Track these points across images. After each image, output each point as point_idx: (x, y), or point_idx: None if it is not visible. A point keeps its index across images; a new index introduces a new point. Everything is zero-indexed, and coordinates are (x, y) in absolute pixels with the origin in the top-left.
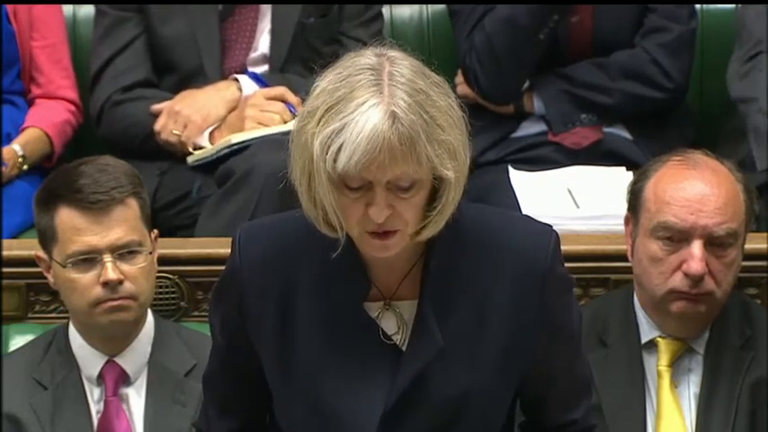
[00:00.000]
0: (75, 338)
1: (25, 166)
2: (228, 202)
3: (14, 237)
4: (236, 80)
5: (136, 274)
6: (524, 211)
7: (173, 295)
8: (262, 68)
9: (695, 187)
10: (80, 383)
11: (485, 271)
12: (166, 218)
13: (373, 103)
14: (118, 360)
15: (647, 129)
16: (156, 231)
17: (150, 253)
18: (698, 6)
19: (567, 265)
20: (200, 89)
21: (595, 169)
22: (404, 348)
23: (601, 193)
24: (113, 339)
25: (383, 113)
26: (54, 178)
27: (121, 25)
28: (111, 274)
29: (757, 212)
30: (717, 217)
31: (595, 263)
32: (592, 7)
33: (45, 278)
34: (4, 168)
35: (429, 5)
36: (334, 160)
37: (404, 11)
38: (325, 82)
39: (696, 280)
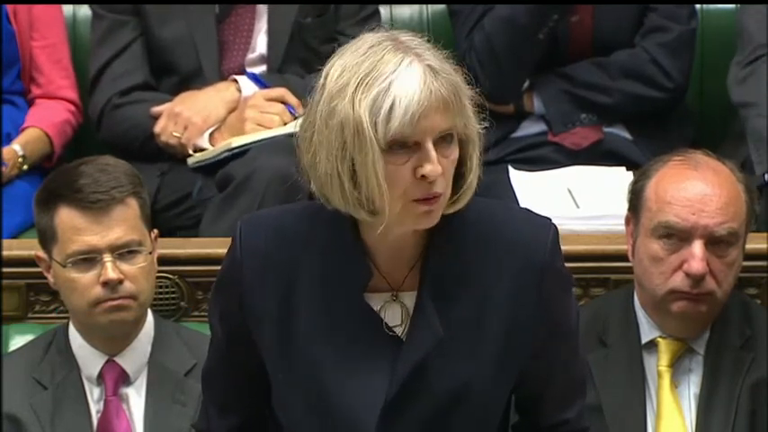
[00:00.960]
0: (75, 338)
1: (25, 166)
2: (231, 207)
3: (14, 237)
4: (236, 81)
5: (136, 273)
6: None
7: (173, 295)
8: (260, 69)
9: (696, 187)
10: (80, 383)
11: (485, 263)
12: (167, 219)
13: (409, 61)
14: (118, 360)
15: (647, 129)
16: (156, 231)
17: (150, 253)
18: (698, 6)
19: (567, 265)
20: (200, 91)
21: (595, 169)
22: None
23: (601, 193)
24: (113, 339)
25: (423, 68)
26: (54, 178)
27: (119, 28)
28: (110, 273)
29: (758, 213)
30: (718, 217)
31: (595, 263)
32: (592, 7)
33: (45, 278)
34: (4, 168)
35: (429, 5)
36: (388, 120)
37: (404, 11)
38: (343, 61)
39: (697, 280)
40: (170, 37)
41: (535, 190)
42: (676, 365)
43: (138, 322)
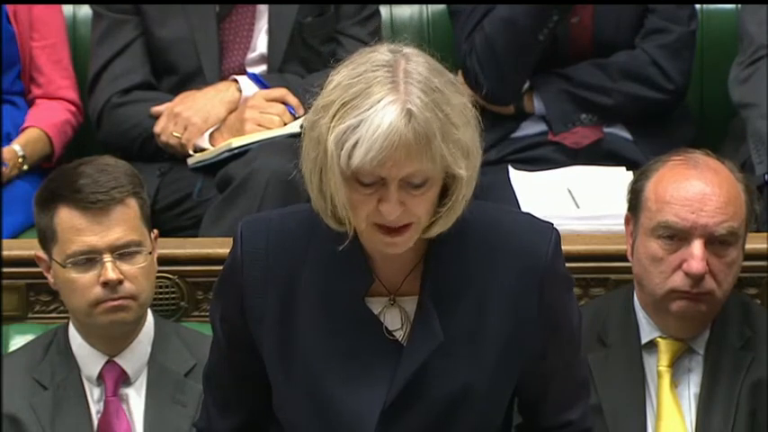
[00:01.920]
0: (75, 338)
1: (25, 167)
2: (231, 208)
3: (14, 237)
4: (236, 81)
5: (136, 273)
6: None
7: (173, 295)
8: (260, 68)
9: (696, 187)
10: (80, 383)
11: (485, 268)
12: (168, 219)
13: (389, 101)
14: (118, 360)
15: (647, 129)
16: (156, 231)
17: (150, 253)
18: (698, 7)
19: (567, 265)
20: (200, 90)
21: (595, 169)
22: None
23: (601, 193)
24: (113, 339)
25: (399, 111)
26: (54, 178)
27: (119, 28)
28: (110, 273)
29: (758, 213)
30: (717, 216)
31: (595, 263)
32: (592, 8)
33: (45, 278)
34: (4, 168)
35: (429, 5)
36: (349, 156)
37: (404, 11)
38: (340, 77)
39: (696, 279)
40: (170, 36)
41: (535, 190)
42: (676, 365)
43: (138, 322)
